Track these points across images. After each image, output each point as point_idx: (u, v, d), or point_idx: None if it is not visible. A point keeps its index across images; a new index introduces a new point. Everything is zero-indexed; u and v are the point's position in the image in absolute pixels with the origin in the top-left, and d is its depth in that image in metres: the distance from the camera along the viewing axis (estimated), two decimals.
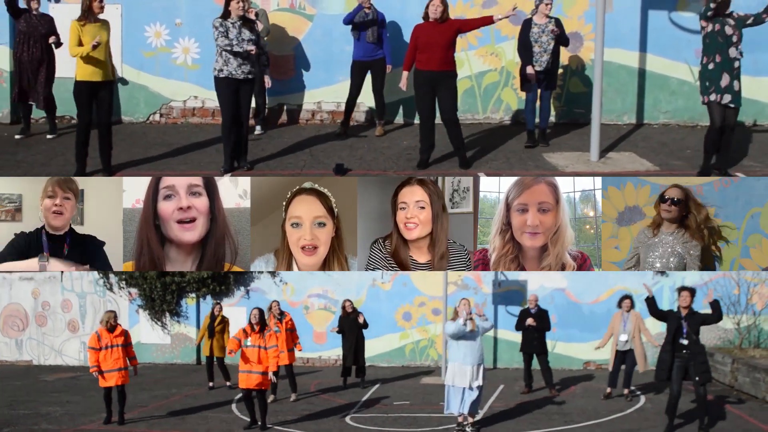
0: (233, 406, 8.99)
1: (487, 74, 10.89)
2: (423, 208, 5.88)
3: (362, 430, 7.93)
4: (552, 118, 10.71)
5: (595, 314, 11.66)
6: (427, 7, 8.75)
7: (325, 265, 5.96)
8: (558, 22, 9.80)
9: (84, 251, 6.26)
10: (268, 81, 8.74)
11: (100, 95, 8.43)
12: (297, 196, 5.95)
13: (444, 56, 8.63)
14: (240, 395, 8.51)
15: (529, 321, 9.63)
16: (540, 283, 11.96)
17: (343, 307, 10.51)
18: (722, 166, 8.50)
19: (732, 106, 8.16)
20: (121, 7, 10.91)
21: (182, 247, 5.91)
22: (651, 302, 7.48)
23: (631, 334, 9.18)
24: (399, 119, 11.11)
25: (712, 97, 8.18)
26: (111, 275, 13.06)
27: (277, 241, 6.02)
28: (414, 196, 5.90)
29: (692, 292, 7.40)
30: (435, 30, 8.60)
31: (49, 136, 10.29)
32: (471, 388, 7.52)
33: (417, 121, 10.87)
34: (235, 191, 6.76)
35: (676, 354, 7.27)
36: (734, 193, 7.23)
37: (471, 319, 7.52)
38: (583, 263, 6.20)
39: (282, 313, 9.55)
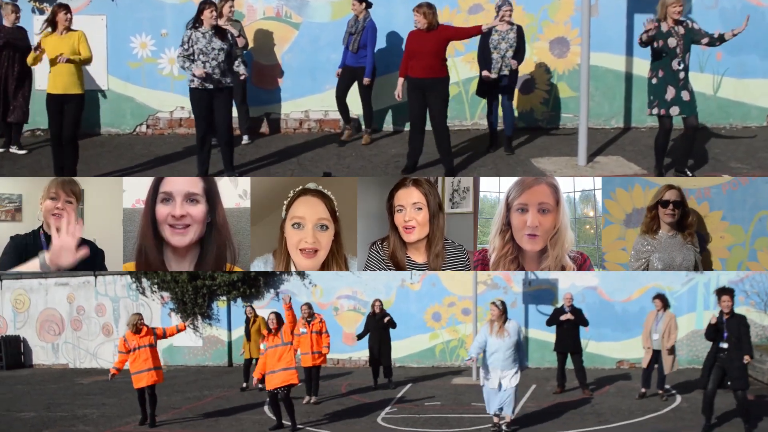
0: (266, 407, 9.03)
1: (474, 80, 10.83)
2: (420, 209, 5.87)
3: (394, 431, 7.91)
4: (520, 123, 10.59)
5: (628, 313, 11.54)
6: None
7: (324, 267, 5.92)
8: (519, 31, 9.68)
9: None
10: (243, 74, 8.46)
11: (66, 108, 8.33)
12: (300, 197, 5.87)
13: (431, 63, 8.54)
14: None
15: (566, 315, 9.52)
16: (571, 282, 11.88)
17: (372, 306, 10.55)
18: (679, 166, 8.39)
19: (684, 116, 8.14)
20: (106, 18, 10.85)
21: (178, 249, 5.88)
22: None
23: (662, 333, 9.00)
24: (388, 126, 11.04)
25: (655, 111, 8.25)
26: (144, 279, 13.23)
27: (276, 240, 5.95)
28: (410, 198, 5.88)
29: (731, 294, 7.19)
30: (423, 38, 8.54)
31: (19, 152, 10.02)
32: (498, 389, 7.42)
33: (400, 128, 10.87)
34: (235, 191, 6.71)
35: (717, 356, 7.12)
36: (742, 196, 7.16)
37: (498, 323, 7.40)
38: (583, 263, 6.18)
39: (312, 315, 9.57)
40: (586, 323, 9.71)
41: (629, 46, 10.87)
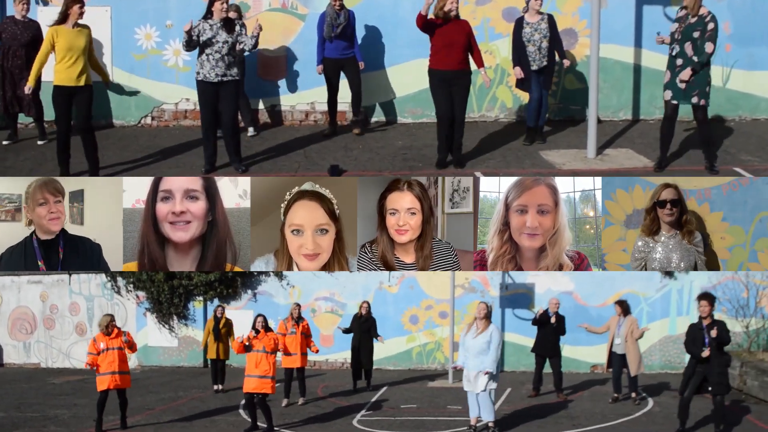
0: (241, 409, 8.97)
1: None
2: (414, 214, 5.90)
3: None
4: (547, 115, 10.68)
5: (603, 318, 11.57)
6: (443, 7, 8.58)
7: (326, 268, 5.96)
8: (551, 19, 9.76)
9: (79, 253, 6.27)
10: (249, 44, 8.45)
11: (77, 99, 8.36)
12: (297, 201, 5.81)
13: (463, 56, 8.71)
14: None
15: (552, 317, 9.55)
16: (547, 286, 11.93)
17: (360, 308, 10.54)
18: (709, 162, 8.53)
19: (674, 102, 8.32)
20: (110, 10, 10.87)
21: (180, 248, 5.90)
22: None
23: (624, 337, 9.09)
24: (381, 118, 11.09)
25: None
26: (119, 278, 13.09)
27: (278, 241, 5.98)
28: (404, 202, 5.90)
29: (711, 300, 7.25)
30: (452, 29, 8.57)
31: (39, 142, 10.21)
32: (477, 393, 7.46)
33: (407, 120, 10.86)
34: (235, 191, 6.75)
35: (698, 364, 7.18)
36: (742, 197, 7.17)
37: (485, 321, 7.44)
38: (580, 263, 6.25)
39: (301, 317, 9.55)
40: (563, 332, 9.77)
41: (638, 37, 10.90)
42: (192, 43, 8.45)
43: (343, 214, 5.99)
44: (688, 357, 7.49)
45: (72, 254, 6.25)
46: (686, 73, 8.19)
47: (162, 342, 12.98)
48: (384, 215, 5.95)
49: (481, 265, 6.33)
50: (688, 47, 8.17)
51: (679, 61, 8.23)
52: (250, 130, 10.54)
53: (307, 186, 5.87)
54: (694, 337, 7.23)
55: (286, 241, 5.87)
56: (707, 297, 7.25)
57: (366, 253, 6.04)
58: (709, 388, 7.14)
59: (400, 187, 5.95)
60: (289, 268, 5.96)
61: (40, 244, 6.17)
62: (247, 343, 7.91)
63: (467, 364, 7.49)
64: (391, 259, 5.98)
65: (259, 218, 6.61)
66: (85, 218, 6.72)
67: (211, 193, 5.96)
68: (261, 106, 11.00)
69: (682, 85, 8.25)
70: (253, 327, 7.99)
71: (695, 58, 8.23)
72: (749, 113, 11.00)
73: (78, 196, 6.64)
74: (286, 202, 5.88)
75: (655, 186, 6.83)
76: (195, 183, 5.92)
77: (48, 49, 8.40)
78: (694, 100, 8.29)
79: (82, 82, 8.34)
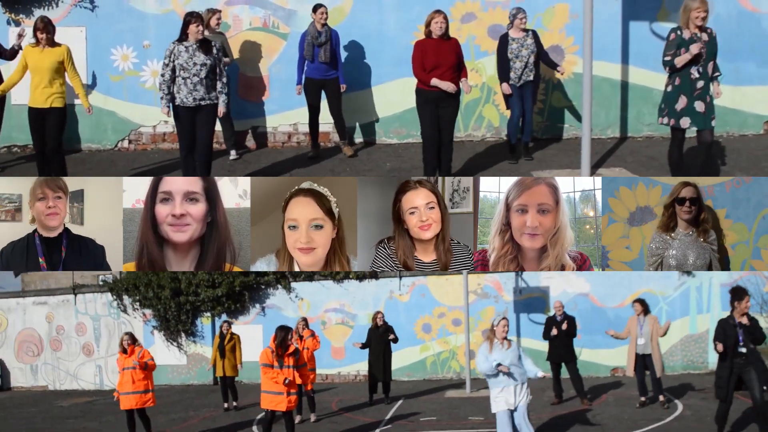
0: (254, 427, 8.53)
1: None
2: (433, 208, 5.95)
3: None
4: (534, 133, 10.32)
5: (621, 318, 11.26)
6: (429, 24, 8.35)
7: (327, 265, 5.99)
8: (535, 35, 9.80)
9: (82, 254, 6.25)
10: (221, 110, 8.07)
11: (47, 122, 8.28)
12: (294, 198, 5.91)
13: (454, 75, 8.35)
14: (261, 415, 8.05)
15: (553, 332, 9.11)
16: (562, 289, 11.57)
17: (374, 319, 10.07)
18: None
19: (697, 129, 7.82)
20: (85, 30, 10.73)
21: (179, 248, 5.87)
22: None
23: (648, 337, 8.64)
24: (380, 139, 10.70)
25: (664, 120, 7.97)
26: (125, 296, 12.67)
27: (279, 241, 6.02)
28: (421, 199, 5.96)
29: (749, 295, 7.18)
30: (442, 48, 8.18)
31: None
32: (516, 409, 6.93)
33: (392, 140, 10.43)
34: (235, 191, 6.72)
35: (734, 362, 6.75)
36: (746, 194, 7.14)
37: (507, 339, 6.96)
38: (582, 264, 6.24)
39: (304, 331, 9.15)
40: (575, 334, 9.30)
41: (624, 54, 10.87)
42: (168, 86, 8.12)
43: (343, 214, 6.02)
44: (712, 357, 7.04)
45: (74, 254, 6.25)
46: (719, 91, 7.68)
47: (171, 360, 12.61)
48: (401, 218, 5.98)
49: (482, 264, 6.34)
50: (710, 67, 7.68)
51: (700, 84, 7.63)
52: (232, 153, 10.19)
53: (305, 185, 5.96)
54: (726, 334, 6.78)
55: (285, 239, 5.90)
56: (747, 292, 7.07)
57: (385, 248, 6.05)
58: (764, 386, 6.70)
59: (412, 186, 5.99)
60: (290, 267, 6.00)
61: (42, 242, 6.18)
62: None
63: (508, 378, 6.92)
64: (411, 258, 6.00)
65: (259, 218, 6.63)
66: (85, 218, 6.67)
67: (211, 195, 5.93)
68: (242, 127, 10.56)
69: (701, 108, 7.59)
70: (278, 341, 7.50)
71: (717, 74, 7.76)
72: (737, 129, 10.96)
73: (78, 196, 6.60)
74: (284, 201, 5.92)
75: (661, 184, 6.85)
76: (195, 185, 5.89)
77: (19, 69, 8.36)
78: (714, 123, 7.78)
79: (48, 104, 8.20)
